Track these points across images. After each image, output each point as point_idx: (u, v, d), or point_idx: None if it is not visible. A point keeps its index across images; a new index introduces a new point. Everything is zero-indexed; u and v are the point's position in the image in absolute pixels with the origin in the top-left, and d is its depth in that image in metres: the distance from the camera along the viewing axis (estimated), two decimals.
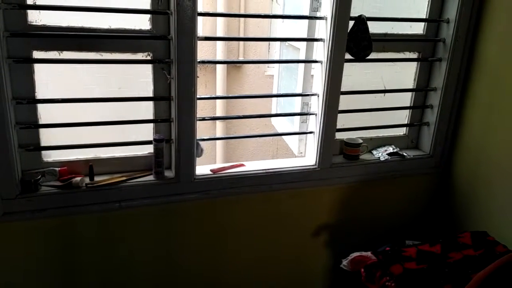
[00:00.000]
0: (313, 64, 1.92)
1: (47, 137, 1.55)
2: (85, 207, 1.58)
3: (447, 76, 1.94)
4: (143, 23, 1.53)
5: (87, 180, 1.59)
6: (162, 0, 1.51)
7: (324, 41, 1.77)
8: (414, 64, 2.02)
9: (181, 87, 1.56)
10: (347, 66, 1.79)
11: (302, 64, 2.28)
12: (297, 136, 2.37)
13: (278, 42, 2.95)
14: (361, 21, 1.75)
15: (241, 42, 4.36)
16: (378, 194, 2.07)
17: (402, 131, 2.14)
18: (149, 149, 1.68)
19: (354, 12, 1.72)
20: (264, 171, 1.82)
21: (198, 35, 1.54)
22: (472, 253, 1.56)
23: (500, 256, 1.47)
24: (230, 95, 4.69)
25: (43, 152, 1.56)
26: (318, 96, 1.84)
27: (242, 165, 1.85)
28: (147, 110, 1.64)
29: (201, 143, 1.71)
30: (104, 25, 1.49)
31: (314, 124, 1.89)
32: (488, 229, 1.74)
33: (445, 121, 2.02)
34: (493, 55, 1.84)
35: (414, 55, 2.00)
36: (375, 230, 2.13)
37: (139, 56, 1.57)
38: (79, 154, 1.62)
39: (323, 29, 1.77)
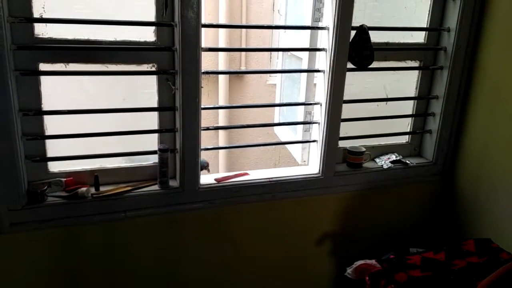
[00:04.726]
0: (316, 73, 1.94)
1: (53, 147, 1.56)
2: (91, 217, 1.59)
3: (449, 84, 1.96)
4: (148, 35, 1.56)
5: (92, 190, 1.61)
6: (167, 12, 1.53)
7: (326, 51, 1.79)
8: (416, 72, 2.03)
9: (186, 97, 1.58)
10: (349, 75, 1.81)
11: (305, 74, 2.30)
12: (300, 144, 2.38)
13: (280, 52, 2.98)
14: (363, 30, 1.77)
15: (243, 52, 4.39)
16: (382, 202, 2.07)
17: (404, 139, 2.15)
18: (154, 159, 1.70)
19: (355, 22, 1.74)
20: (268, 179, 1.83)
21: (201, 46, 1.56)
22: (476, 260, 1.57)
23: (505, 263, 1.47)
24: (233, 105, 4.71)
25: (49, 162, 1.58)
26: (321, 105, 1.86)
27: (246, 174, 1.86)
28: (151, 120, 1.66)
29: (204, 160, 1.74)
30: (110, 37, 1.51)
31: (317, 132, 1.90)
32: (492, 236, 1.74)
33: (447, 128, 2.03)
34: (494, 62, 1.85)
35: (415, 64, 2.02)
36: (379, 238, 2.13)
37: (144, 67, 1.59)
38: (85, 165, 1.63)
39: (325, 39, 1.79)
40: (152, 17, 1.54)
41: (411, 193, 2.12)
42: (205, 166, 1.73)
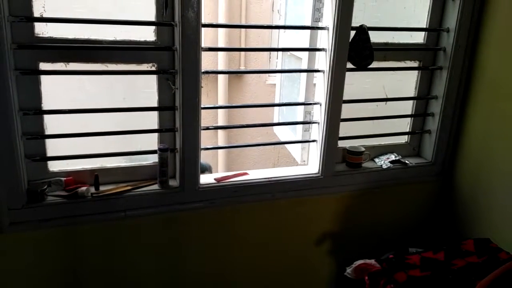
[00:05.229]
0: (315, 73, 1.94)
1: (53, 147, 1.56)
2: (90, 216, 1.59)
3: (448, 85, 1.96)
4: (148, 34, 1.56)
5: (92, 189, 1.61)
6: (167, 12, 1.53)
7: (326, 51, 1.79)
8: (415, 72, 2.04)
9: (186, 97, 1.58)
10: (348, 75, 1.81)
11: (304, 73, 2.30)
12: (299, 144, 2.39)
13: (280, 52, 2.98)
14: (362, 31, 1.77)
15: (243, 52, 4.40)
16: (381, 202, 2.08)
17: (404, 139, 2.15)
18: (153, 159, 1.70)
19: (355, 22, 1.75)
20: (267, 179, 1.83)
21: (201, 46, 1.56)
22: (476, 260, 1.57)
23: (503, 263, 1.48)
24: (233, 105, 4.71)
25: (49, 162, 1.58)
26: (320, 105, 1.86)
27: (246, 173, 1.86)
28: (151, 120, 1.66)
29: (207, 163, 1.73)
30: (110, 37, 1.51)
31: (317, 132, 1.90)
32: (491, 235, 1.75)
33: (446, 128, 2.04)
34: (493, 63, 1.86)
35: (415, 64, 2.02)
36: (378, 238, 2.13)
37: (144, 67, 1.59)
38: (85, 164, 1.63)
39: (325, 39, 1.79)
40: (152, 17, 1.55)
41: (410, 193, 2.12)
42: (208, 169, 1.74)
